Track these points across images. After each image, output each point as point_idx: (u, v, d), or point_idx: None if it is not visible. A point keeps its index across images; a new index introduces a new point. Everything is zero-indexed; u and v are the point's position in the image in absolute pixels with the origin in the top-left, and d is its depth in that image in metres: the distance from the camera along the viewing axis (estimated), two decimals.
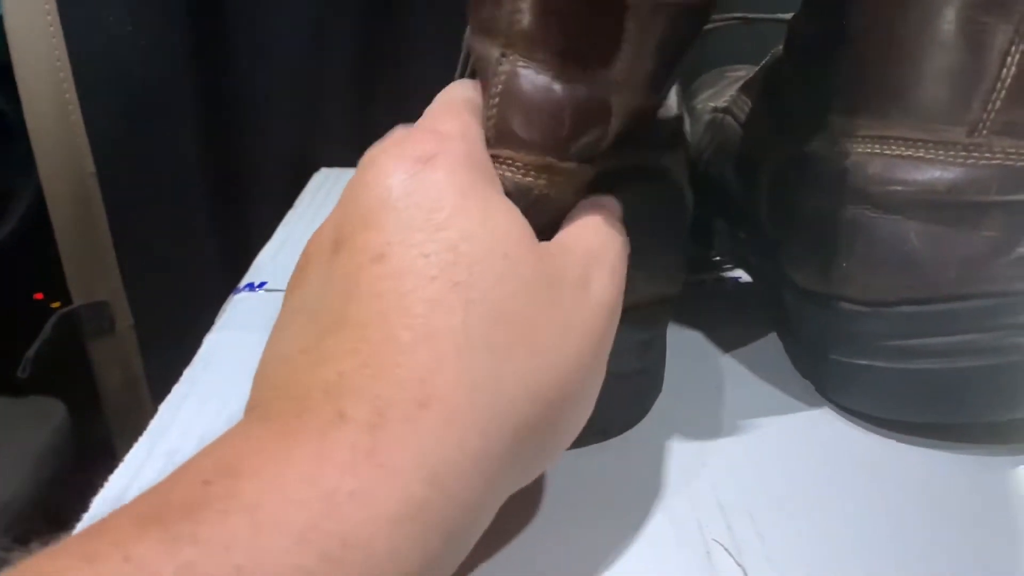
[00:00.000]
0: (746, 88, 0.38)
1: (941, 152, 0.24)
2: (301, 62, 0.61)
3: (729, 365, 0.33)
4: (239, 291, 0.39)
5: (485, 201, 0.20)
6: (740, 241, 0.37)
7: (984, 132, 0.24)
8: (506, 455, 0.19)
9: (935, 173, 0.24)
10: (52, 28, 0.47)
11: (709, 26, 0.48)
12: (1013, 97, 0.23)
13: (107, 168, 0.54)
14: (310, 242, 0.23)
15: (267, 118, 0.61)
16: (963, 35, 0.24)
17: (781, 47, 0.33)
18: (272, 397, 0.19)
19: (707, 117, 0.43)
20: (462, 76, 0.26)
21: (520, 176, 0.22)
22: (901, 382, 0.27)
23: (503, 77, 0.22)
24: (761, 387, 0.31)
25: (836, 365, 0.28)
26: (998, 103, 0.23)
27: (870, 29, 0.26)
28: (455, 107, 0.22)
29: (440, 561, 0.17)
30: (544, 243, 0.21)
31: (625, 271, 0.23)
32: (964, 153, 0.24)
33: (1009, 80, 0.23)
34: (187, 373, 0.32)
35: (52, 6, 0.46)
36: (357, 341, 0.18)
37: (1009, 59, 0.23)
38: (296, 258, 0.23)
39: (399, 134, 0.22)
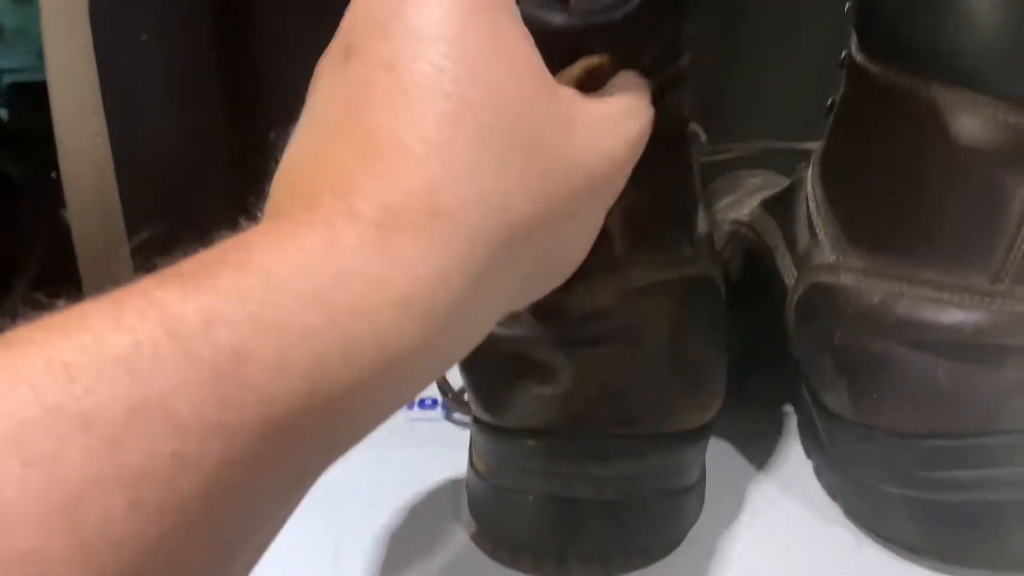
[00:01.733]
0: (769, 207, 0.39)
1: (967, 297, 0.25)
2: None
3: (759, 487, 0.33)
4: None
5: (498, 24, 0.20)
6: (765, 357, 0.38)
7: (1006, 280, 0.25)
8: (508, 270, 0.19)
9: (960, 316, 0.25)
10: (93, 95, 0.49)
11: (732, 155, 0.50)
12: None
13: (140, 241, 0.56)
14: (323, 56, 0.22)
15: None
16: (984, 188, 0.25)
17: (805, 167, 0.35)
18: (281, 198, 0.19)
19: (727, 228, 0.44)
20: None
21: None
22: (931, 512, 0.27)
23: None
24: (791, 508, 0.32)
25: (866, 489, 0.29)
26: (1019, 254, 0.25)
27: (896, 174, 0.27)
28: None
29: (436, 349, 0.18)
30: (559, 85, 0.21)
31: (644, 144, 0.23)
32: (988, 299, 0.25)
33: None
34: None
35: (93, 74, 0.48)
36: (366, 148, 0.18)
37: None
38: None
39: None
